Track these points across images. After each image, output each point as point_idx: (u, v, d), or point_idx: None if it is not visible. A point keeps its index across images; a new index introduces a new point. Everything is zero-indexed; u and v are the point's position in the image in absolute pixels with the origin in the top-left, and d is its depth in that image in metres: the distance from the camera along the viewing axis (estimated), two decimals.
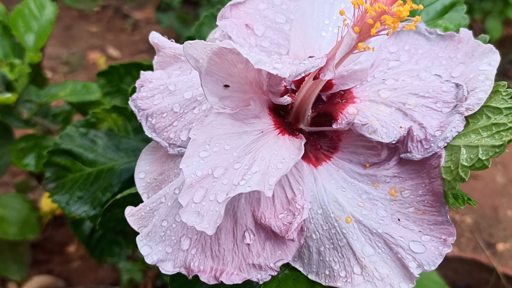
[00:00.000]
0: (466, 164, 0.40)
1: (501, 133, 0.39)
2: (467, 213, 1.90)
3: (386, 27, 0.38)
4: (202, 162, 0.42)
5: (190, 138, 0.43)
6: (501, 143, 0.38)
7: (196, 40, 0.40)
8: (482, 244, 1.77)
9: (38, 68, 1.18)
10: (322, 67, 0.42)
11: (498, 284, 1.42)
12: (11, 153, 1.03)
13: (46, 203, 1.49)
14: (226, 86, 0.43)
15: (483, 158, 0.39)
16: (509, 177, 2.03)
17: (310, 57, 0.46)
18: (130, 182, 0.77)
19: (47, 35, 1.00)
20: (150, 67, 0.82)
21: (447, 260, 1.47)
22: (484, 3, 2.39)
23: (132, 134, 0.80)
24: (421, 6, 0.39)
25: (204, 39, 0.81)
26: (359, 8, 0.39)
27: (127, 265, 1.42)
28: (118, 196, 0.68)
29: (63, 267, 1.58)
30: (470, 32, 0.51)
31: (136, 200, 0.59)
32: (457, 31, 0.53)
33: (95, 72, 0.94)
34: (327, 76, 0.42)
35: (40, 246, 1.61)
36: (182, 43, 0.86)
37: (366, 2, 0.38)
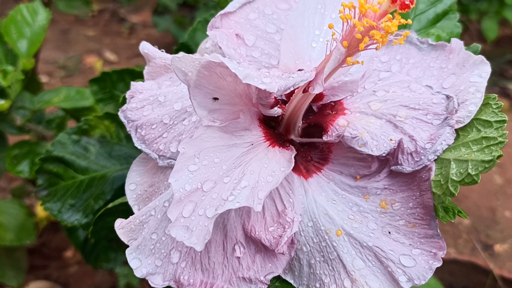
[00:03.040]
0: (455, 178, 0.40)
1: (491, 147, 0.39)
2: None
3: (374, 41, 0.38)
4: (191, 176, 0.42)
5: (179, 151, 0.43)
6: (490, 158, 0.38)
7: (184, 54, 0.40)
8: (479, 246, 1.76)
9: (32, 74, 1.18)
10: (311, 81, 0.42)
11: (495, 286, 1.42)
12: (5, 159, 1.03)
13: (42, 209, 1.48)
14: (215, 99, 0.43)
15: (473, 173, 0.39)
16: (506, 178, 2.03)
17: (299, 70, 0.46)
18: (123, 189, 0.76)
19: (40, 42, 1.00)
20: (143, 74, 0.82)
21: (444, 262, 1.47)
22: (480, 4, 2.39)
23: (124, 141, 0.79)
24: (409, 21, 0.38)
25: (198, 45, 0.81)
26: (347, 22, 0.39)
27: (124, 270, 1.41)
28: (110, 205, 0.67)
29: (61, 272, 1.57)
30: (461, 42, 0.50)
31: (128, 208, 0.58)
32: (450, 39, 0.53)
33: (92, 76, 0.94)
34: (316, 90, 0.42)
35: (37, 252, 1.60)
36: (177, 48, 0.85)
37: (354, 17, 0.38)
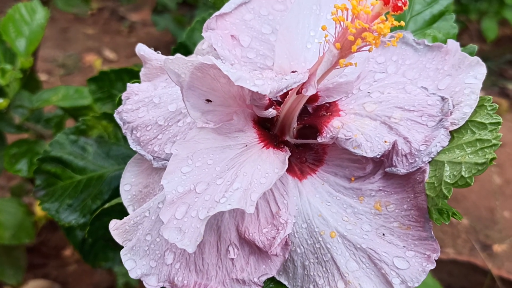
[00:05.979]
0: (449, 181, 0.40)
1: (485, 150, 0.39)
2: (464, 214, 1.90)
3: (367, 43, 0.38)
4: (184, 178, 0.42)
5: (172, 153, 0.43)
6: (484, 160, 0.38)
7: (177, 55, 0.39)
8: (478, 246, 1.76)
9: (31, 72, 1.18)
10: (304, 82, 0.42)
11: (493, 286, 1.42)
12: (4, 158, 1.03)
13: (40, 208, 1.49)
14: (209, 100, 0.43)
15: (466, 175, 0.38)
16: (505, 178, 2.03)
17: (293, 71, 0.46)
18: None
19: (38, 40, 1.00)
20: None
21: (443, 262, 1.47)
22: (479, 4, 2.38)
23: (122, 141, 0.79)
24: (402, 23, 0.38)
25: (196, 45, 0.80)
26: (340, 24, 0.39)
27: (123, 269, 1.41)
28: (107, 205, 0.67)
29: (59, 271, 1.57)
30: (457, 43, 0.50)
31: (125, 208, 0.58)
32: (446, 40, 0.53)
33: (91, 74, 0.94)
34: (309, 92, 0.42)
35: (36, 250, 1.61)
36: (176, 47, 0.85)
37: (347, 19, 0.38)
